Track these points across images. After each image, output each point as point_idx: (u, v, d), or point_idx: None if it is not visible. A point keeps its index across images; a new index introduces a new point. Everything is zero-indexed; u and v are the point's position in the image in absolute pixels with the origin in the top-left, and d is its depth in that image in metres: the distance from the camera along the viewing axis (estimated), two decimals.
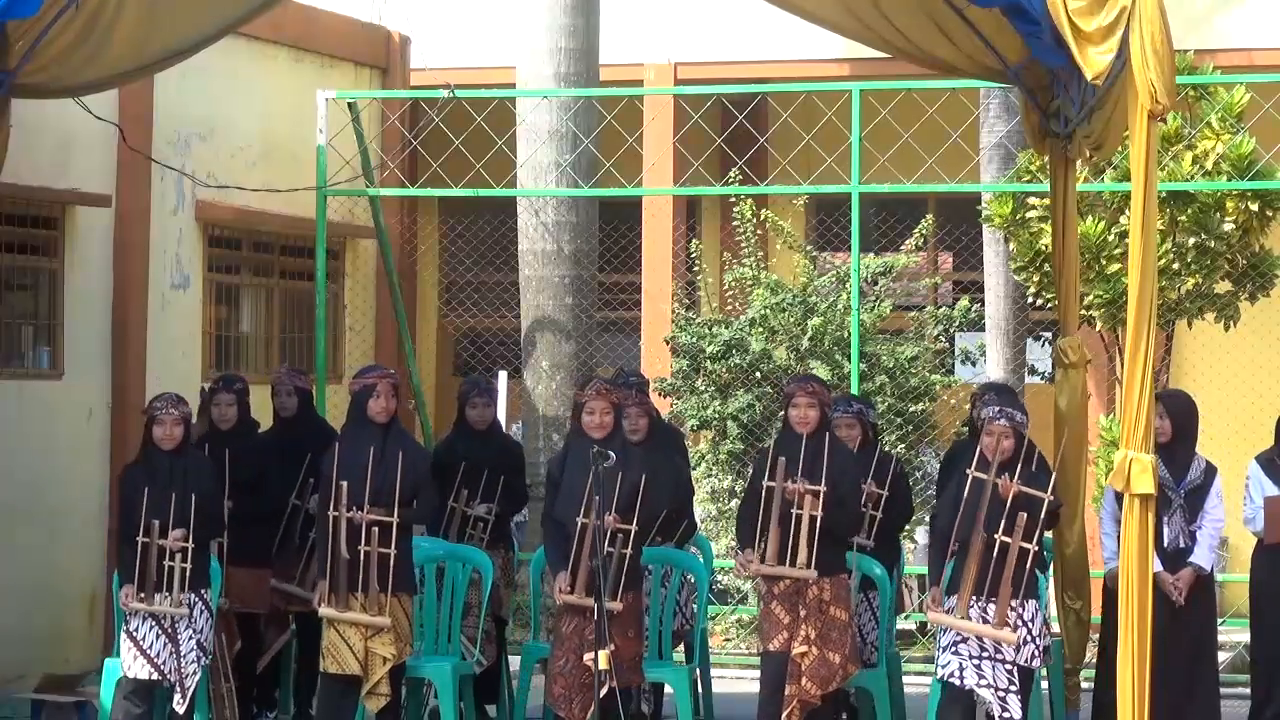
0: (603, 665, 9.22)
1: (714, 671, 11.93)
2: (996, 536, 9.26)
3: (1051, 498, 9.35)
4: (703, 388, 15.37)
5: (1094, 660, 11.25)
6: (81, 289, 13.38)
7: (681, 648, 11.34)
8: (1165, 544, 10.28)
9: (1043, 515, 9.31)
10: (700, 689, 11.37)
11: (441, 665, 10.58)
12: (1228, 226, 13.25)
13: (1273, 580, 10.64)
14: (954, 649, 9.42)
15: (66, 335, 13.31)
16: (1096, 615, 10.76)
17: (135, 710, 10.13)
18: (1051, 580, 10.77)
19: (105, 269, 13.61)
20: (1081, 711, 10.76)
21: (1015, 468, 9.36)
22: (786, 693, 9.77)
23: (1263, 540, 10.68)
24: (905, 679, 11.46)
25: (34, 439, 12.92)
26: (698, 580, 10.88)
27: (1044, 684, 10.79)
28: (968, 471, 9.37)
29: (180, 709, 10.07)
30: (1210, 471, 10.44)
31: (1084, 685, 10.83)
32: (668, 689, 10.94)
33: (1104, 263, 13.28)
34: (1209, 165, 13.22)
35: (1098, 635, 10.81)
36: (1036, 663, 9.45)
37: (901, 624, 12.89)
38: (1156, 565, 10.21)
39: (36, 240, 13.23)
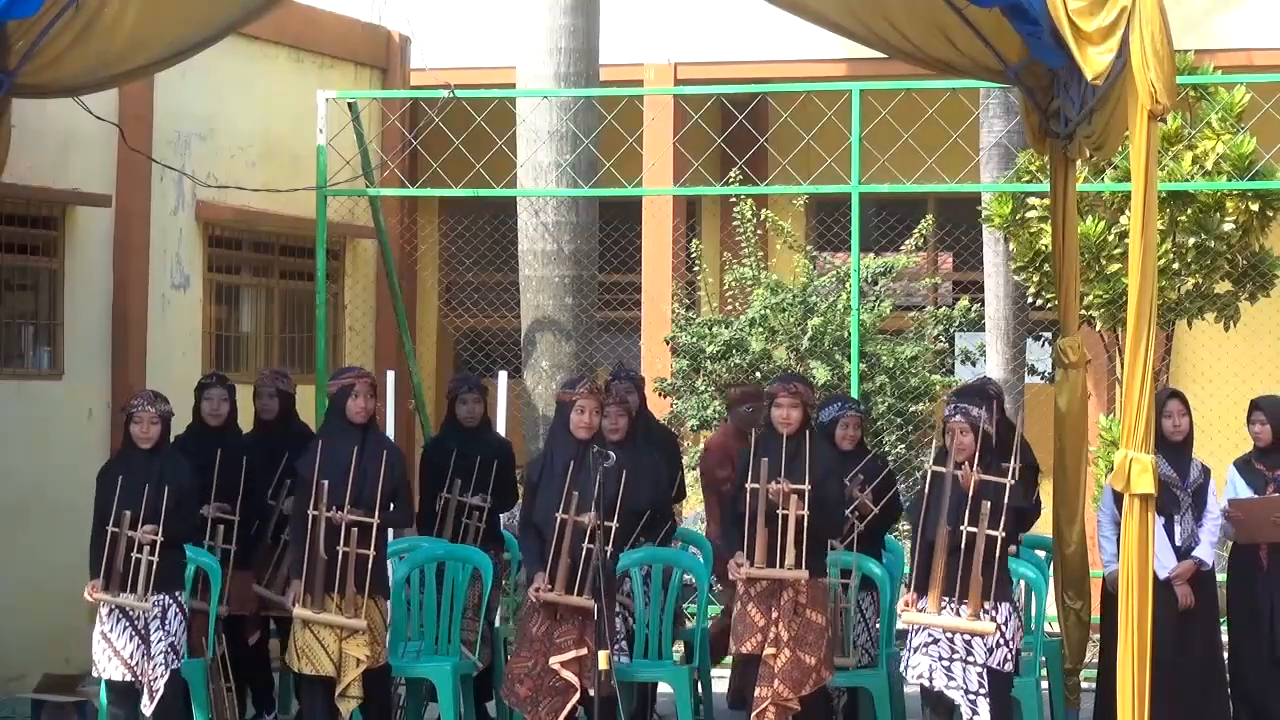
0: (602, 665, 9.21)
1: (714, 671, 11.91)
2: (962, 529, 9.22)
3: (1013, 481, 9.26)
4: (703, 388, 15.37)
5: (1094, 660, 11.27)
6: (81, 289, 13.38)
7: (681, 647, 11.34)
8: (1177, 543, 10.33)
9: (1006, 501, 9.23)
10: (700, 689, 11.37)
11: (441, 665, 10.57)
12: (1228, 226, 13.25)
13: (1241, 583, 10.68)
14: (924, 650, 9.36)
15: (66, 335, 13.31)
16: (1097, 615, 10.77)
17: (119, 713, 10.10)
18: (1051, 580, 10.78)
19: (105, 269, 13.61)
20: (1082, 712, 10.76)
21: (980, 459, 9.33)
22: (757, 694, 9.71)
23: (1236, 542, 10.73)
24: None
25: (34, 439, 12.92)
26: (698, 580, 10.87)
27: (1044, 684, 10.80)
28: (927, 467, 9.36)
29: (148, 711, 9.98)
30: (1206, 471, 10.55)
31: (1084, 685, 10.83)
32: (668, 689, 10.94)
33: (1104, 263, 13.29)
34: (1209, 165, 13.22)
35: (1098, 635, 10.83)
36: (1009, 666, 9.40)
37: (901, 624, 12.87)
38: (1170, 568, 10.25)
39: (36, 240, 13.23)
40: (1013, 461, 9.31)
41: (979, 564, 9.21)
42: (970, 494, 9.22)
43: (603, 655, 9.21)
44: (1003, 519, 9.22)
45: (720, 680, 11.94)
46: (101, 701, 10.36)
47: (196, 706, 10.24)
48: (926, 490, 9.33)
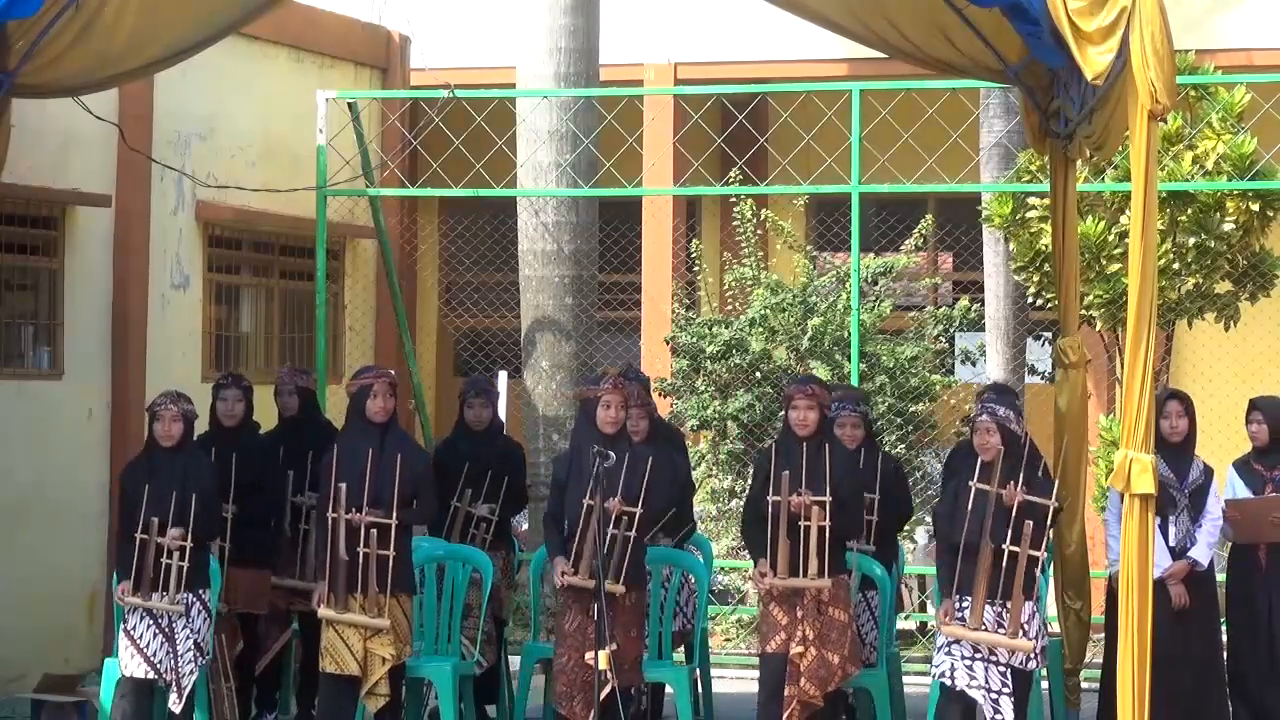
0: (602, 665, 9.22)
1: (714, 671, 11.93)
2: (1005, 546, 9.25)
3: (1056, 504, 9.36)
4: (703, 388, 15.37)
5: (1094, 660, 11.26)
6: (81, 289, 13.38)
7: (681, 648, 11.33)
8: (1172, 543, 10.33)
9: (1049, 523, 9.35)
10: (700, 689, 11.37)
11: (441, 665, 10.57)
12: (1228, 226, 13.24)
13: (1240, 582, 10.68)
14: (947, 649, 9.42)
15: (66, 335, 13.30)
16: (1097, 615, 10.77)
17: (132, 710, 10.12)
18: (1052, 580, 10.77)
19: (105, 269, 13.61)
20: (1083, 711, 10.76)
21: (1014, 467, 9.35)
22: (786, 694, 9.78)
23: (1234, 542, 10.73)
24: (905, 679, 11.46)
25: (34, 439, 12.92)
26: (698, 580, 10.88)
27: (1044, 684, 10.80)
28: (971, 483, 9.36)
29: (177, 709, 10.06)
30: (1208, 472, 10.53)
31: (1084, 685, 10.83)
32: (668, 689, 10.94)
33: (1104, 263, 13.28)
34: (1209, 165, 13.22)
35: (1100, 635, 10.82)
36: (1033, 665, 9.43)
37: (901, 624, 12.89)
38: (1164, 568, 10.25)
39: (36, 240, 13.23)
40: (1055, 486, 9.39)
41: (1020, 583, 9.24)
42: (1014, 512, 9.26)
43: (603, 655, 9.22)
44: (1044, 540, 9.30)
45: (720, 680, 11.96)
46: (102, 702, 10.37)
47: (197, 707, 10.24)
48: (970, 505, 9.33)
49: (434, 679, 10.60)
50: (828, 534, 9.69)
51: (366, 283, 16.53)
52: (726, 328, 15.36)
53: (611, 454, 9.57)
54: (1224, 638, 10.73)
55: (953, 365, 16.45)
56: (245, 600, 10.99)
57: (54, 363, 13.32)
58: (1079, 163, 10.90)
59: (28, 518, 12.83)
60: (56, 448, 13.10)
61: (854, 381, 13.91)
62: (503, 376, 14.83)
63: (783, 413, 10.09)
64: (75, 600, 13.18)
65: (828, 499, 9.69)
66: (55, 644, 12.81)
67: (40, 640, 12.71)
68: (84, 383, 13.39)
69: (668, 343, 15.85)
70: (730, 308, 16.31)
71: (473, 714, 11.14)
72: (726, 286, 16.15)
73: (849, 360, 14.25)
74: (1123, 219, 13.01)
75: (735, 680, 13.08)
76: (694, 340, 15.39)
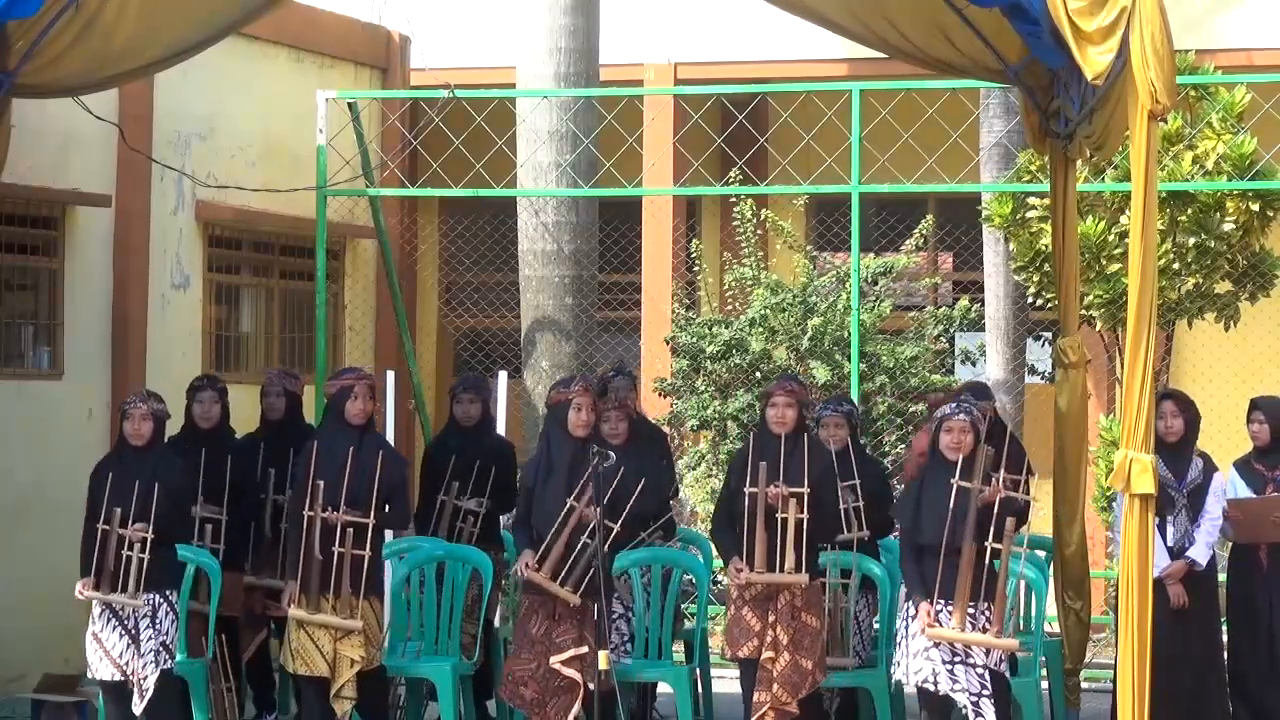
0: (602, 665, 9.21)
1: (714, 671, 11.91)
2: (987, 544, 9.22)
3: (1035, 499, 9.34)
4: (703, 388, 15.37)
5: (1094, 660, 11.26)
6: (81, 289, 13.38)
7: (681, 648, 11.32)
8: (1170, 543, 10.33)
9: (1029, 515, 9.35)
10: (700, 689, 11.36)
11: (441, 665, 10.57)
12: (1228, 226, 13.25)
13: (1240, 582, 10.69)
14: (926, 654, 9.34)
15: (66, 335, 13.31)
16: (1097, 615, 10.77)
17: (115, 713, 10.07)
18: (1051, 580, 10.77)
19: (105, 269, 13.61)
20: (1086, 711, 10.76)
21: (985, 466, 9.32)
22: (756, 699, 9.72)
23: (1235, 542, 10.73)
24: None
25: (34, 439, 12.92)
26: (697, 580, 10.86)
27: (1044, 684, 10.80)
28: (953, 481, 9.30)
29: (138, 710, 9.94)
30: (1209, 470, 10.52)
31: (1084, 685, 10.83)
32: (662, 688, 10.92)
33: (1104, 263, 13.29)
34: (1209, 165, 13.22)
35: (1100, 635, 10.82)
36: (1004, 666, 9.39)
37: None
38: (1163, 568, 10.26)
39: (36, 240, 13.23)
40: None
41: (1003, 581, 9.23)
42: (995, 511, 9.23)
43: (602, 655, 9.21)
44: (1025, 534, 9.30)
45: (720, 680, 11.94)
46: (100, 702, 10.36)
47: (197, 707, 10.23)
48: (950, 504, 9.29)
49: (434, 679, 10.59)
50: (805, 529, 9.63)
51: (366, 283, 16.53)
52: (726, 328, 15.36)
53: (611, 455, 9.55)
54: (1224, 638, 10.73)
55: (953, 365, 16.45)
56: (226, 604, 10.92)
57: (54, 363, 13.32)
58: (1079, 163, 10.90)
59: (28, 518, 12.83)
60: (56, 448, 13.09)
61: (854, 381, 13.91)
62: (503, 376, 14.81)
63: (760, 410, 10.04)
64: (75, 600, 13.14)
65: (805, 490, 9.63)
66: (55, 644, 12.79)
67: (40, 640, 12.70)
68: (84, 383, 13.39)
69: (668, 343, 15.85)
70: (730, 308, 16.30)
71: (472, 714, 11.13)
72: (726, 286, 16.15)
73: (849, 360, 14.25)
74: (1123, 219, 13.01)
75: (735, 680, 13.04)
76: (694, 340, 15.39)
